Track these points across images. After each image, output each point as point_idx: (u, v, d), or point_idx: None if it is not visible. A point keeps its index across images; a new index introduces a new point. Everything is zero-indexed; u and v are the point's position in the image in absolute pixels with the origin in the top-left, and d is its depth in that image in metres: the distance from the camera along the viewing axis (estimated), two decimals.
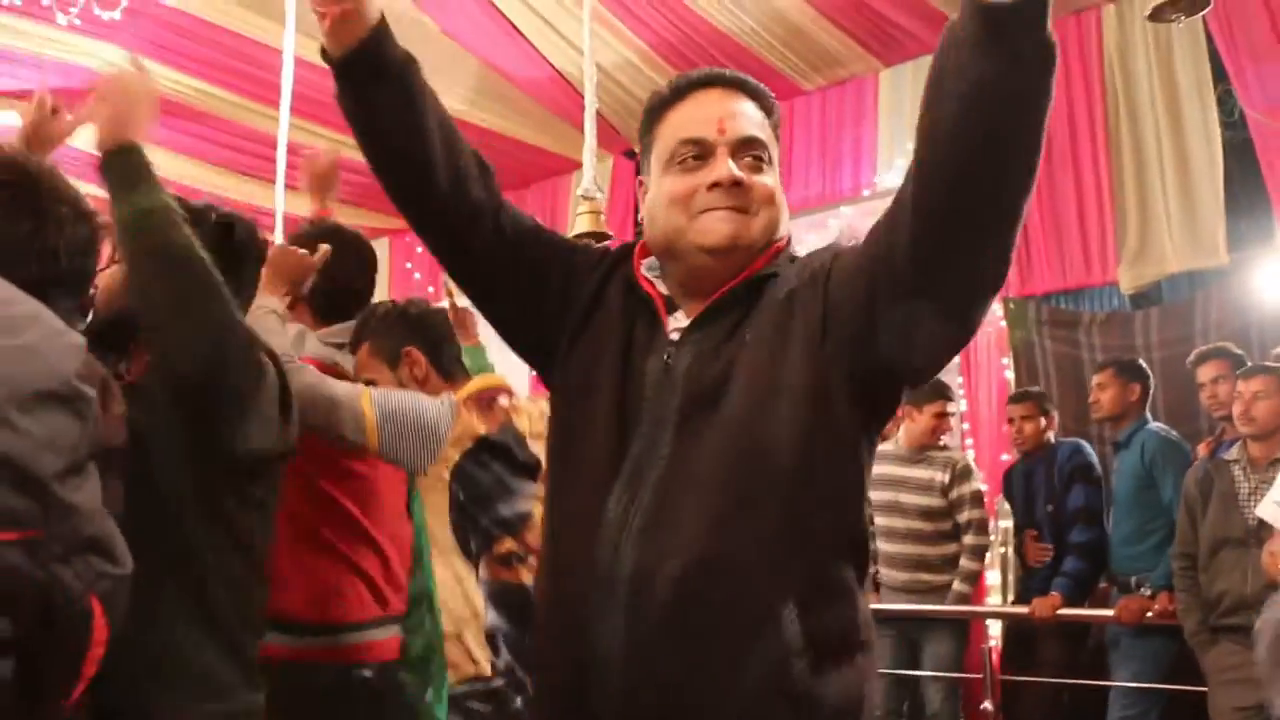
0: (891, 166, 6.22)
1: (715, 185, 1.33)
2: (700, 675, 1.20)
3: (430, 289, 8.72)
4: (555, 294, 1.43)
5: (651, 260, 1.46)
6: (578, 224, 4.17)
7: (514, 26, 6.15)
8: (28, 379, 1.26)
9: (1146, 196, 5.36)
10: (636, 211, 6.07)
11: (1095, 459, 4.52)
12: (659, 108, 1.44)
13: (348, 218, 8.58)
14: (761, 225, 1.36)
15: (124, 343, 1.74)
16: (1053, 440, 4.65)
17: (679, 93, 1.43)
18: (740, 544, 1.21)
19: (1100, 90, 5.52)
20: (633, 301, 1.40)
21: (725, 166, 1.34)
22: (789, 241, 1.44)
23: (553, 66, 6.42)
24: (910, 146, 5.18)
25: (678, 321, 1.37)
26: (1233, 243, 5.05)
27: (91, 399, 1.36)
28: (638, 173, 1.49)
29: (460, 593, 2.46)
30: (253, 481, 1.77)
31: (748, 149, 1.37)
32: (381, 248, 9.17)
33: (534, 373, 1.56)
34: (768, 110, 1.44)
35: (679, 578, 1.20)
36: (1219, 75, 5.15)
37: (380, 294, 9.65)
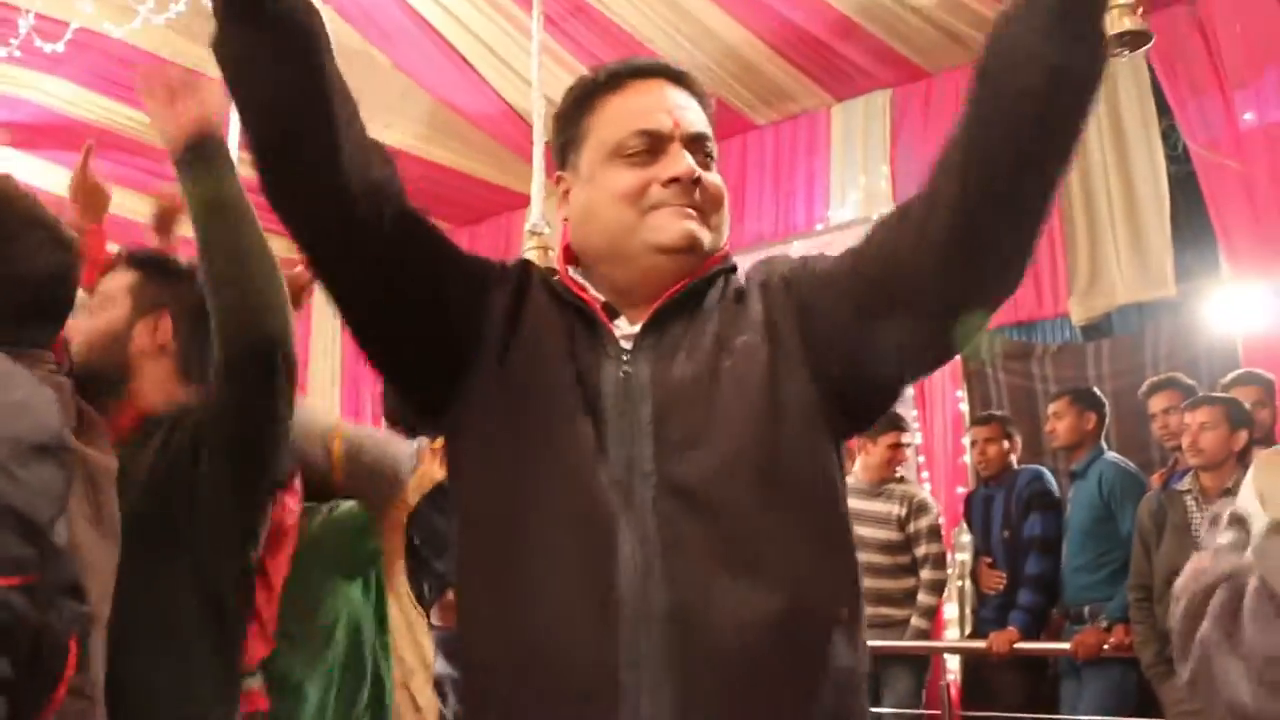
0: (844, 201, 6.25)
1: (674, 180, 1.23)
2: None
3: None
4: (461, 311, 1.24)
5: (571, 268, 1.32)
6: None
7: (465, 60, 6.13)
8: (25, 434, 1.29)
9: (1095, 229, 5.43)
10: None
11: (1054, 486, 4.53)
12: (591, 95, 1.30)
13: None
14: (716, 226, 1.28)
15: (102, 397, 1.72)
16: (1014, 465, 4.65)
17: (617, 80, 1.30)
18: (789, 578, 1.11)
19: None
20: (560, 312, 1.25)
21: (684, 160, 1.23)
22: (728, 251, 1.34)
23: (504, 100, 6.41)
24: (863, 180, 5.23)
25: (621, 329, 1.24)
26: (1180, 274, 5.11)
27: (73, 449, 1.38)
28: (560, 168, 1.34)
29: (410, 639, 2.39)
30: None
31: (700, 145, 1.28)
32: None
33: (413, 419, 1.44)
34: (707, 109, 1.34)
35: (748, 622, 1.07)
36: (1162, 110, 5.24)
37: (334, 329, 9.44)
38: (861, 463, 4.78)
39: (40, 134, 6.50)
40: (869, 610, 4.46)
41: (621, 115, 1.26)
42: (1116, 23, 3.12)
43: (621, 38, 5.80)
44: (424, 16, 5.82)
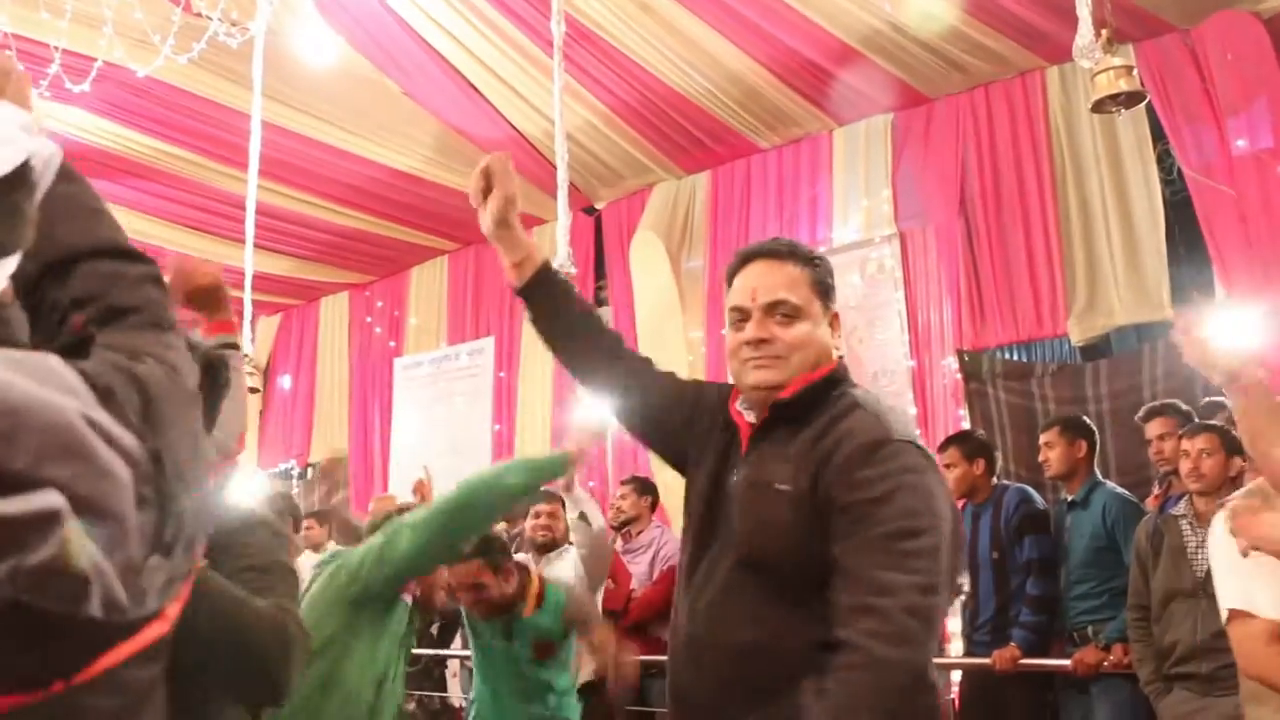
0: (846, 223, 6.35)
1: (748, 343, 1.73)
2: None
3: (392, 343, 8.73)
4: (685, 427, 1.88)
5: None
6: None
7: (473, 87, 6.25)
8: None
9: (1093, 251, 5.53)
10: (598, 267, 6.19)
11: (1044, 505, 4.55)
12: (727, 278, 1.84)
13: (318, 274, 8.63)
14: (793, 366, 1.72)
15: None
16: (995, 484, 4.62)
17: (738, 265, 1.82)
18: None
19: (1047, 149, 5.71)
20: (727, 428, 1.81)
21: (750, 329, 1.73)
22: (840, 366, 1.78)
23: (512, 126, 6.52)
24: (864, 202, 5.30)
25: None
26: (1176, 296, 5.20)
27: None
28: None
29: None
30: None
31: (775, 309, 1.73)
32: (341, 302, 9.20)
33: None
34: (811, 265, 1.78)
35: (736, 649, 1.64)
36: (1158, 135, 5.35)
37: (341, 347, 9.56)
38: None
39: None
40: None
41: (730, 294, 1.81)
42: (1112, 83, 3.25)
43: (627, 65, 5.92)
44: (433, 45, 5.94)
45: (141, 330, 0.91)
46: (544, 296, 1.92)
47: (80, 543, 0.63)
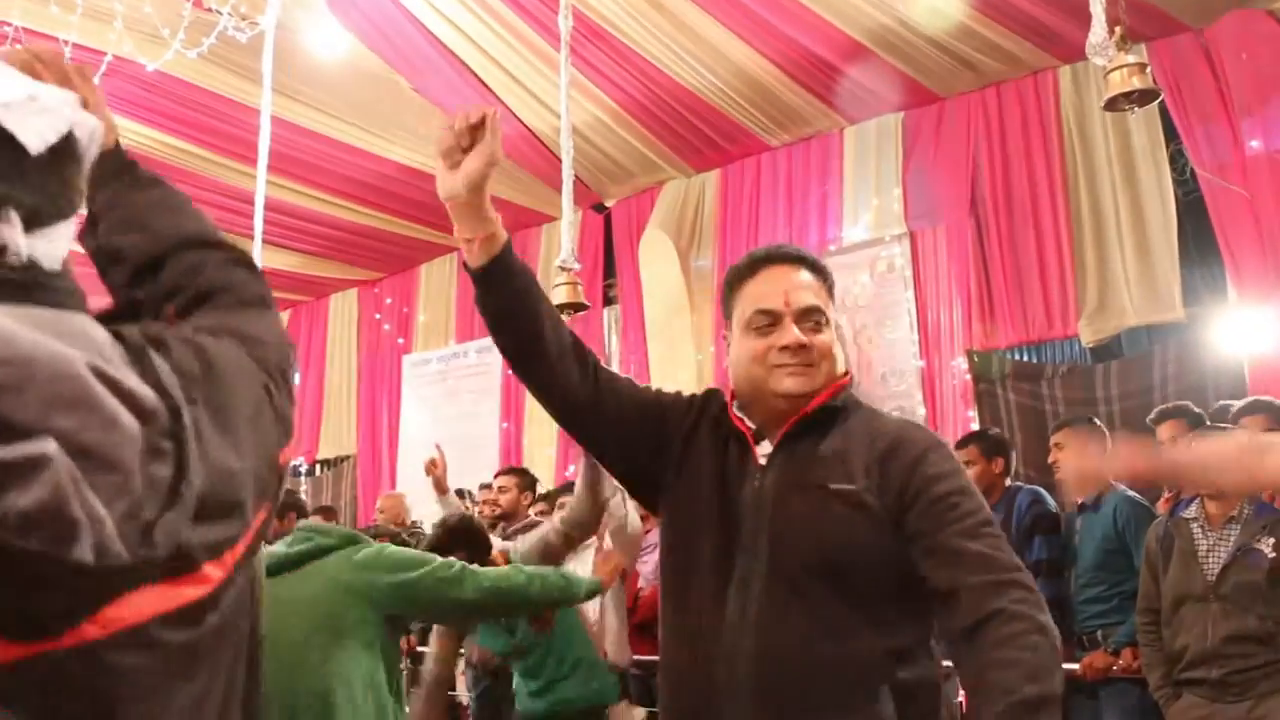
0: (857, 222, 6.33)
1: (785, 348, 1.66)
2: None
3: (400, 340, 8.74)
4: (652, 439, 1.75)
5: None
6: (556, 294, 4.18)
7: (482, 83, 6.24)
8: None
9: (1105, 252, 5.50)
10: (607, 264, 6.11)
11: (1055, 507, 4.53)
12: (736, 281, 1.75)
13: (327, 270, 8.64)
14: (824, 373, 1.68)
15: None
16: (1004, 484, 4.60)
17: (752, 268, 1.74)
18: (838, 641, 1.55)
19: (1059, 150, 5.68)
20: (723, 436, 1.72)
21: (792, 333, 1.66)
22: (850, 377, 1.74)
23: (522, 123, 6.51)
24: (875, 201, 5.26)
25: (764, 450, 1.68)
26: (1188, 297, 5.18)
27: None
28: (726, 327, 1.80)
29: None
30: None
31: (808, 316, 1.69)
32: (350, 299, 9.21)
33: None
34: (822, 275, 1.75)
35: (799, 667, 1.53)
36: (1170, 136, 5.32)
37: (350, 344, 9.58)
38: None
39: None
40: None
41: (752, 297, 1.71)
42: (1126, 81, 3.22)
43: (638, 62, 5.91)
44: (442, 41, 5.94)
45: (230, 309, 1.00)
46: (507, 277, 1.66)
47: (71, 487, 0.65)
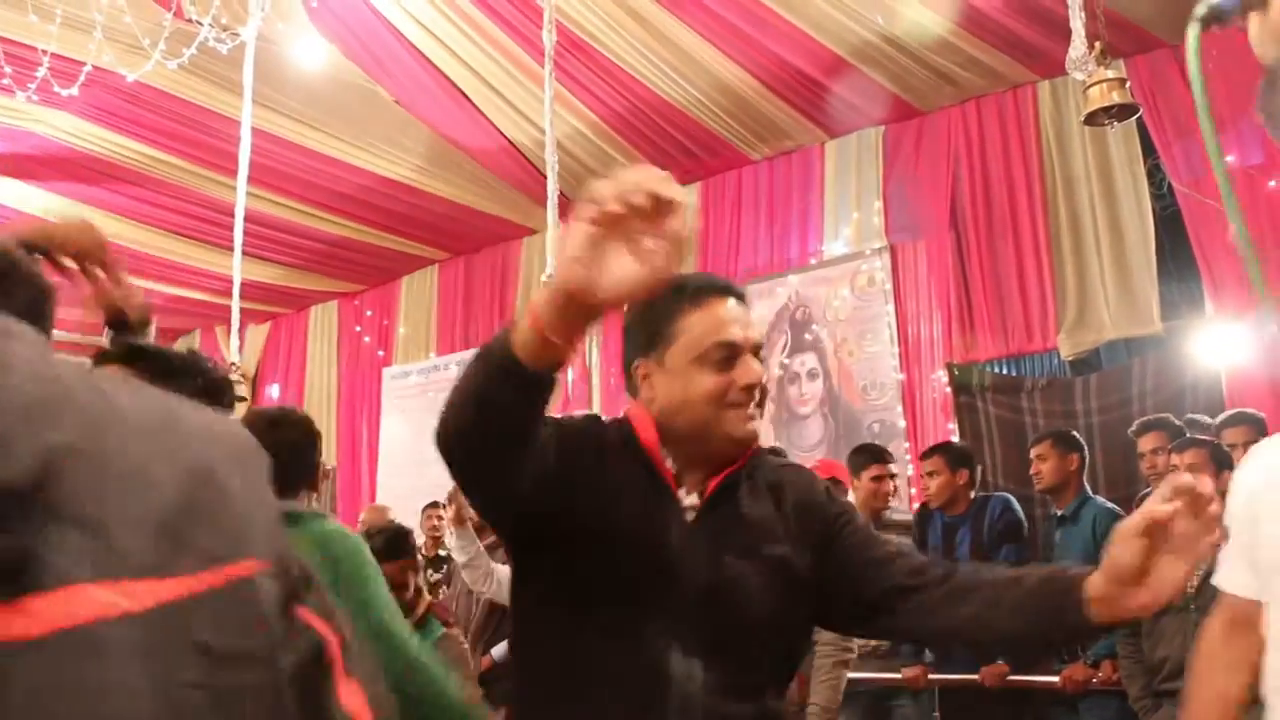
0: (838, 235, 6.35)
1: (747, 387, 1.51)
2: None
3: (380, 353, 8.70)
4: (549, 477, 1.44)
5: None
6: None
7: (465, 96, 6.24)
8: None
9: (1084, 266, 5.53)
10: None
11: (1023, 516, 4.55)
12: (673, 310, 1.55)
13: (307, 282, 8.60)
14: (761, 417, 1.57)
15: None
16: (973, 496, 4.61)
17: (696, 297, 1.55)
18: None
19: (1038, 163, 5.72)
20: (635, 473, 1.54)
21: (755, 370, 1.52)
22: None
23: (502, 135, 6.51)
24: (855, 215, 5.31)
25: (689, 499, 1.55)
26: (1165, 311, 5.21)
27: None
28: (641, 354, 1.59)
29: None
30: None
31: (758, 351, 1.56)
32: (330, 311, 9.17)
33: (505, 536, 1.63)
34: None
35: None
36: (1148, 149, 5.36)
37: (330, 356, 9.53)
38: (853, 498, 4.82)
39: (42, 165, 6.60)
40: (877, 641, 4.45)
41: (706, 327, 1.53)
42: (1105, 96, 3.26)
43: (619, 75, 5.92)
44: (424, 53, 5.93)
45: None
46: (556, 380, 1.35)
47: None
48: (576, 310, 1.14)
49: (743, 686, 1.48)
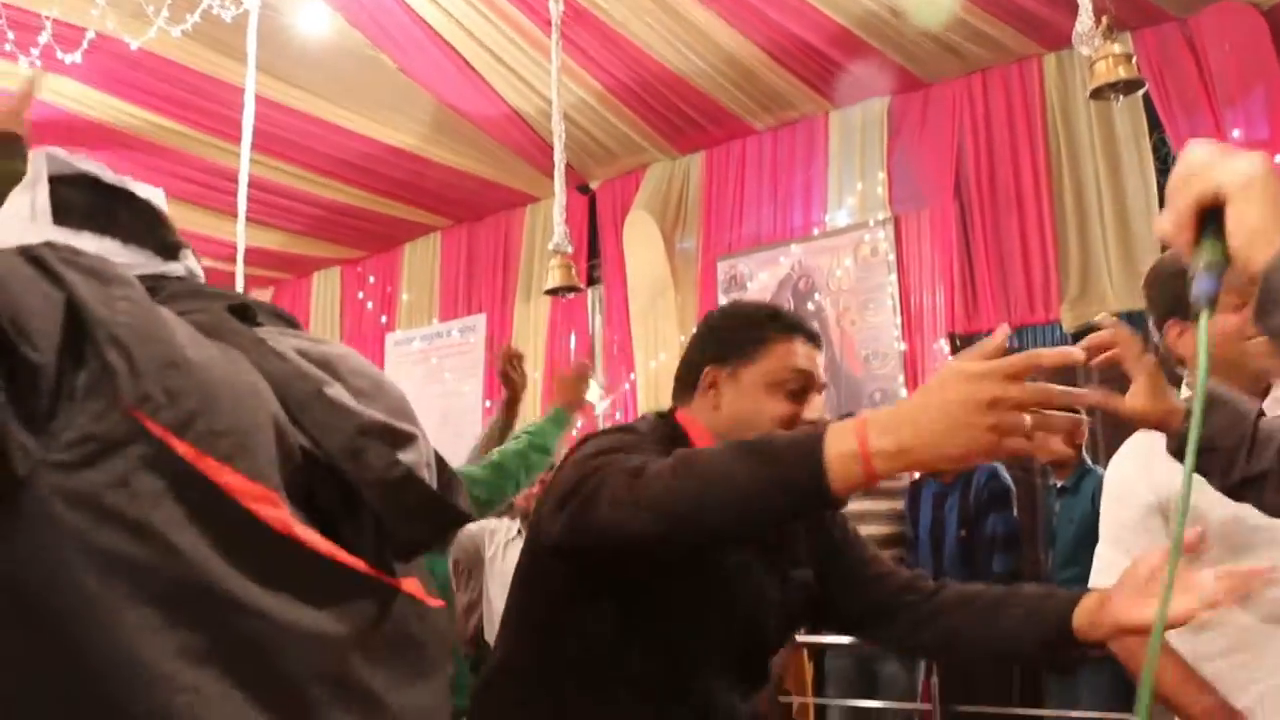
0: (841, 206, 6.35)
1: (807, 423, 1.58)
2: None
3: (384, 319, 8.72)
4: None
5: None
6: (550, 277, 4.27)
7: (468, 64, 6.21)
8: None
9: (1087, 239, 5.54)
10: (591, 245, 6.10)
11: (1010, 484, 4.59)
12: (764, 331, 1.63)
13: (310, 248, 8.60)
14: None
15: None
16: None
17: (789, 330, 1.64)
18: None
19: (1043, 136, 5.71)
20: None
21: (817, 409, 1.62)
22: None
23: (505, 102, 6.49)
24: (859, 186, 5.31)
25: None
26: None
27: None
28: (715, 363, 1.65)
29: None
30: None
31: (821, 393, 1.67)
32: (333, 277, 9.18)
33: None
34: None
35: None
36: (1154, 123, 5.35)
37: (334, 322, 9.52)
38: None
39: (46, 131, 6.58)
40: None
41: (788, 355, 1.62)
42: (1111, 71, 3.25)
43: (624, 44, 5.89)
44: (428, 21, 5.90)
45: None
46: None
47: None
48: (917, 467, 1.18)
49: (749, 690, 1.61)
